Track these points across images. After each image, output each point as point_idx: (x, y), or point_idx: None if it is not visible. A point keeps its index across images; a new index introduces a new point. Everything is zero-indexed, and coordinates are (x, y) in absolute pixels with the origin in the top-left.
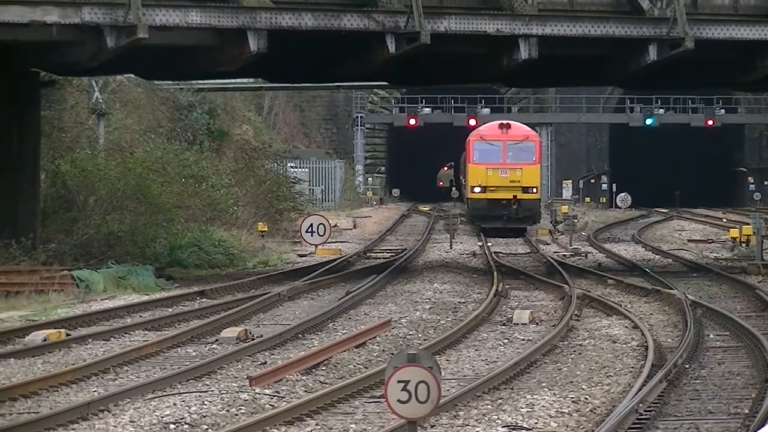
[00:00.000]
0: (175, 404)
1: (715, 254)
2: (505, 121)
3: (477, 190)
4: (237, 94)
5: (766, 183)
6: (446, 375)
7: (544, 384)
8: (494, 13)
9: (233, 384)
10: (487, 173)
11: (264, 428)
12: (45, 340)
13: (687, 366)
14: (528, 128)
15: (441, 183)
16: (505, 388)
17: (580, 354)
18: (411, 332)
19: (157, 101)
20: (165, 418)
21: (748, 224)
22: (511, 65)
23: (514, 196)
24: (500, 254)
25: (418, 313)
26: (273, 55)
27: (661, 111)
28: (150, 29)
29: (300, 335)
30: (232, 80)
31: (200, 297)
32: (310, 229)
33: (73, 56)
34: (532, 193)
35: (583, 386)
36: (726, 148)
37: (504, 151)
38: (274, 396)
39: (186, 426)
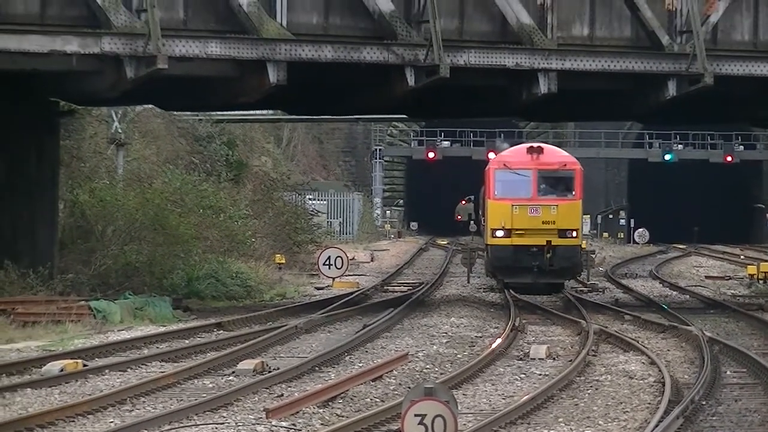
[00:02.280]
0: None
1: (732, 291)
2: (535, 144)
3: (499, 233)
4: (256, 125)
5: None
6: (463, 409)
7: (560, 419)
8: (514, 48)
9: (250, 416)
10: (513, 212)
11: None
12: (62, 370)
13: (704, 402)
14: (565, 153)
15: (459, 217)
16: (522, 423)
17: (596, 389)
18: (428, 366)
19: (176, 132)
20: None
21: (766, 261)
22: (531, 99)
23: (548, 242)
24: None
25: (435, 347)
26: (292, 87)
27: (680, 146)
28: (170, 60)
29: (317, 368)
30: (251, 111)
31: (217, 329)
32: (327, 262)
33: (92, 86)
34: (572, 237)
35: (600, 422)
36: (744, 185)
37: (535, 183)
38: (291, 428)
39: None
